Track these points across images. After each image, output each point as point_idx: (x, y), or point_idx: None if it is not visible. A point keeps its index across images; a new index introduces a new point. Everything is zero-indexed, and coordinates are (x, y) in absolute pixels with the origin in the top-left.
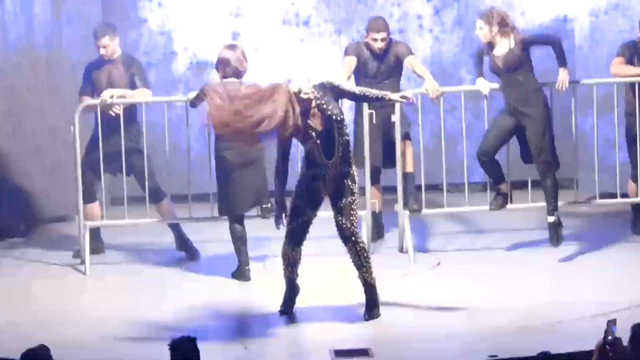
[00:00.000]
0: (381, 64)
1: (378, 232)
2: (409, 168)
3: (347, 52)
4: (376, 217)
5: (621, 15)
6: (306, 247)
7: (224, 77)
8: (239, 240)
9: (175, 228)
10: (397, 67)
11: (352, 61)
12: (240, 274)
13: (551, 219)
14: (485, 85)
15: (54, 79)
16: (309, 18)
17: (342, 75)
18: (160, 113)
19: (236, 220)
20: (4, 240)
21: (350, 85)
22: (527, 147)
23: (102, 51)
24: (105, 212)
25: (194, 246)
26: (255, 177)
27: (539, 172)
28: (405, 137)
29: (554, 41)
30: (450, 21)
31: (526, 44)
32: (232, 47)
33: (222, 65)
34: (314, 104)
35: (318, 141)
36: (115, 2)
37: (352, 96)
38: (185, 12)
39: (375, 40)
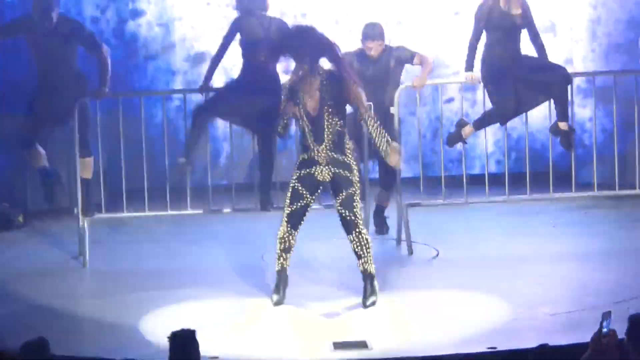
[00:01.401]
0: (376, 70)
1: (382, 227)
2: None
3: None
4: (379, 212)
5: (618, 6)
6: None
7: None
8: None
9: None
10: (395, 73)
11: None
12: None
13: (563, 125)
14: (474, 76)
15: None
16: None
17: None
18: (159, 105)
19: None
20: (1, 231)
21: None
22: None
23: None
24: (104, 205)
25: None
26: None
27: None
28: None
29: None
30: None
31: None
32: None
33: None
34: (316, 85)
35: (309, 125)
36: None
37: (364, 119)
38: (183, 3)
39: (370, 48)
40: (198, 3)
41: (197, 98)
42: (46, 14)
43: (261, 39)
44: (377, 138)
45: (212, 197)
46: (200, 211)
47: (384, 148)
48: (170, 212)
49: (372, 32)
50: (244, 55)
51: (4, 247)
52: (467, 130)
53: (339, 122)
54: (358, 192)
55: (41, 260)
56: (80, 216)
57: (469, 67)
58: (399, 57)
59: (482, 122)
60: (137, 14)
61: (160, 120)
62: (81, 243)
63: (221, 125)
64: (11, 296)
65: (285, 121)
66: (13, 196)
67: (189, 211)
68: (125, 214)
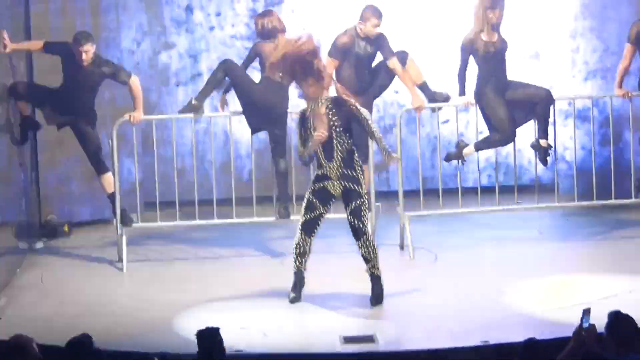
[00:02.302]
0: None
1: None
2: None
3: (331, 54)
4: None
5: (595, 36)
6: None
7: None
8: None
9: None
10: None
11: (334, 64)
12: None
13: (544, 142)
14: (467, 100)
15: None
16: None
17: None
18: (188, 127)
19: None
20: (50, 240)
21: (370, 122)
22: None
23: (84, 56)
24: (140, 216)
25: None
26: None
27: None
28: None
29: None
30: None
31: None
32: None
33: None
34: (323, 111)
35: (321, 145)
36: (148, 28)
37: (365, 129)
38: (210, 37)
39: (373, 24)
40: (223, 37)
41: (223, 121)
42: (83, 50)
43: None
44: (378, 143)
45: (235, 208)
46: (226, 220)
47: (385, 154)
48: (198, 222)
49: (374, 11)
50: (262, 74)
51: (52, 254)
52: (467, 150)
53: (347, 141)
54: (366, 203)
55: (84, 265)
56: (119, 226)
57: (462, 92)
58: (382, 47)
59: (483, 145)
60: (168, 46)
61: (189, 141)
62: (119, 250)
63: (244, 145)
64: (59, 297)
65: (307, 150)
66: (59, 207)
67: (216, 221)
68: (159, 224)
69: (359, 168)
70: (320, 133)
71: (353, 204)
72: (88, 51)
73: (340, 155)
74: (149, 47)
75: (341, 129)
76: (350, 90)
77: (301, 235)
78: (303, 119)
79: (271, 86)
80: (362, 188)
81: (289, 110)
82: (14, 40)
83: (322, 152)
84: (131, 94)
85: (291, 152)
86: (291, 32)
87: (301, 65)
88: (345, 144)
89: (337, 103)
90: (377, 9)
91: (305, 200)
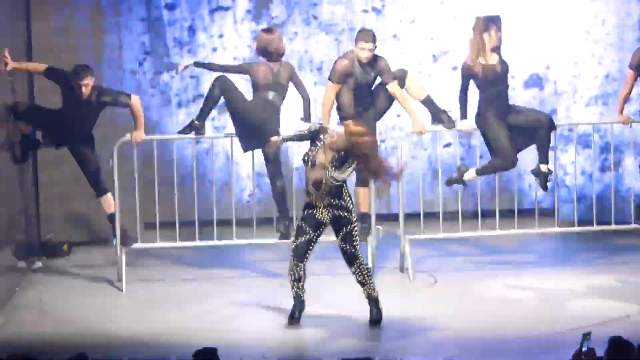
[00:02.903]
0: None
1: (364, 232)
2: (364, 209)
3: (331, 79)
4: (363, 218)
5: (597, 62)
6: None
7: None
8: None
9: None
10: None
11: (336, 88)
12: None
13: (544, 167)
14: (468, 125)
15: None
16: (322, 64)
17: (326, 99)
18: (189, 147)
19: None
20: (49, 259)
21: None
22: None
23: (83, 89)
24: (140, 236)
25: None
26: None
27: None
28: (362, 183)
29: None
30: (446, 67)
31: None
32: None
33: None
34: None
35: (311, 169)
36: (150, 48)
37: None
38: (211, 58)
39: (363, 49)
40: (224, 58)
41: (225, 143)
42: (82, 83)
43: (270, 83)
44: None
45: (236, 229)
46: (226, 242)
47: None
48: (198, 243)
49: (366, 35)
50: (254, 94)
51: (51, 273)
52: (468, 175)
53: (341, 176)
54: (356, 228)
55: (84, 285)
56: (118, 246)
57: (463, 116)
58: (382, 69)
59: (484, 170)
60: (171, 67)
61: (190, 162)
62: (119, 269)
63: (245, 166)
64: (58, 317)
65: (285, 139)
66: (59, 227)
67: (216, 242)
68: (159, 244)
69: (348, 197)
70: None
71: (344, 230)
72: (87, 85)
73: (328, 187)
74: (151, 67)
75: (338, 164)
76: (351, 113)
77: (293, 261)
78: (314, 138)
79: (263, 105)
80: (352, 215)
81: (280, 130)
82: (15, 59)
83: (311, 179)
84: (132, 114)
85: (290, 172)
86: (291, 55)
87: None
88: (339, 179)
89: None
90: (369, 32)
91: (295, 226)
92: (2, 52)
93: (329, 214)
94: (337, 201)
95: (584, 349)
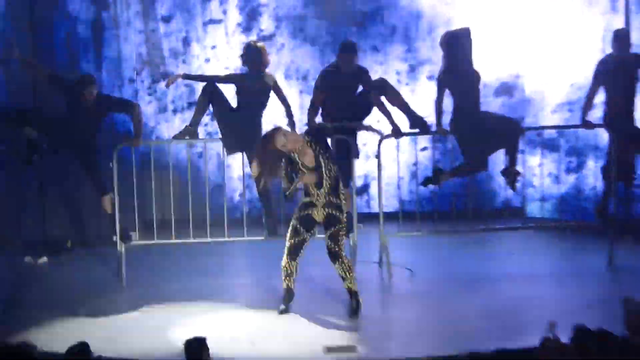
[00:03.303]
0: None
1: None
2: (346, 208)
3: (317, 87)
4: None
5: (563, 72)
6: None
7: None
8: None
9: None
10: (364, 102)
11: (322, 96)
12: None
13: (513, 169)
14: (443, 130)
15: None
16: (307, 73)
17: (312, 106)
18: (184, 151)
19: None
20: (53, 255)
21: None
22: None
23: (87, 97)
24: (138, 233)
25: None
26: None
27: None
28: (344, 184)
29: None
30: (422, 77)
31: None
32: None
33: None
34: (301, 146)
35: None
36: (147, 58)
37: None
38: (205, 68)
39: (345, 60)
40: (217, 68)
41: (217, 147)
42: (87, 93)
43: (254, 91)
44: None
45: (228, 227)
46: (218, 239)
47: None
48: (192, 240)
49: (347, 46)
50: (238, 102)
51: (56, 268)
52: (443, 177)
53: (334, 168)
54: (344, 228)
55: (86, 279)
56: (118, 243)
57: (438, 122)
58: (366, 81)
59: (458, 172)
60: (166, 76)
61: (184, 164)
62: (119, 265)
63: (236, 170)
64: (61, 308)
65: (292, 187)
66: (62, 225)
67: (209, 239)
68: (156, 241)
69: (342, 195)
70: (306, 176)
71: (332, 229)
72: (91, 94)
73: (329, 183)
74: (148, 76)
75: (328, 154)
76: (334, 118)
77: (287, 259)
78: (290, 159)
79: (246, 112)
80: (342, 215)
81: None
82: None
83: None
84: (133, 122)
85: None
86: (278, 65)
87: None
88: (333, 171)
89: (315, 131)
90: (349, 43)
91: (290, 226)
92: (11, 41)
93: (324, 212)
94: (334, 200)
95: (550, 337)
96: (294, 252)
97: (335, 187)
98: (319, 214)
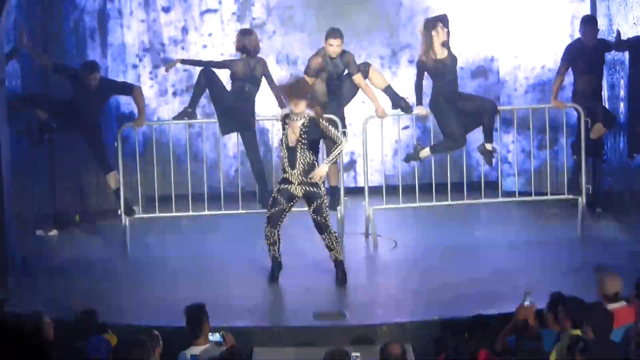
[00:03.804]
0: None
1: (334, 203)
2: (333, 183)
3: (306, 73)
4: (333, 190)
5: (535, 55)
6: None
7: None
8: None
9: None
10: (350, 85)
11: (310, 81)
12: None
13: (489, 146)
14: (423, 110)
15: None
16: (297, 59)
17: None
18: (183, 131)
19: None
20: (62, 229)
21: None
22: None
23: (92, 82)
24: (141, 207)
25: None
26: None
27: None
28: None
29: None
30: (404, 60)
31: None
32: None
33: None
34: (299, 124)
35: (286, 153)
36: (149, 45)
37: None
38: (202, 54)
39: (332, 45)
40: (213, 53)
41: (214, 127)
42: (91, 77)
43: (246, 76)
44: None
45: (224, 201)
46: (215, 212)
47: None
48: (191, 213)
49: (334, 32)
50: (232, 85)
51: (65, 240)
52: (424, 153)
53: (309, 156)
54: (326, 201)
55: (93, 250)
56: (123, 216)
57: (419, 102)
58: (348, 63)
59: (438, 148)
60: (167, 61)
61: (184, 143)
62: (124, 237)
63: (231, 147)
64: (70, 278)
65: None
66: (71, 199)
67: (207, 212)
68: (158, 215)
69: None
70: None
71: (315, 204)
72: (95, 78)
73: (302, 166)
74: (150, 62)
75: (307, 145)
76: (323, 101)
77: (268, 227)
78: (284, 123)
79: (240, 94)
80: (321, 190)
81: (256, 117)
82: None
83: (286, 159)
84: (136, 103)
85: (270, 152)
86: (270, 50)
87: (298, 89)
88: (307, 158)
89: (313, 124)
90: (335, 30)
91: (270, 197)
92: (20, 29)
93: (302, 189)
94: (309, 179)
95: (526, 303)
96: (274, 221)
97: (308, 171)
98: (296, 190)
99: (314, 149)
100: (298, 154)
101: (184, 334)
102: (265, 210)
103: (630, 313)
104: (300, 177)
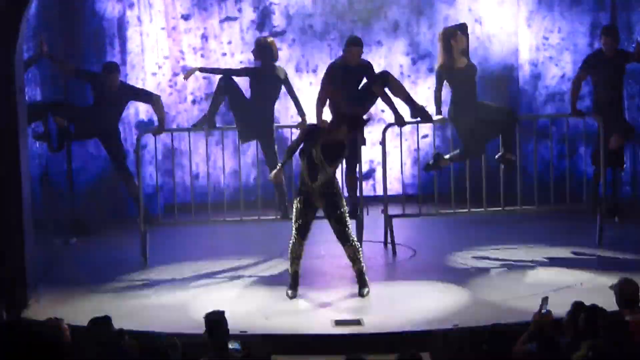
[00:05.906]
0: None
1: (354, 211)
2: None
3: (325, 81)
4: (352, 198)
5: (554, 64)
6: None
7: None
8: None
9: None
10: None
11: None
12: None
13: (508, 155)
14: (441, 119)
15: None
16: (316, 67)
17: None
18: (202, 139)
19: None
20: (82, 236)
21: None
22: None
23: (112, 83)
24: (160, 215)
25: None
26: None
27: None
28: (351, 171)
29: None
30: (423, 69)
31: None
32: None
33: None
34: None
35: (307, 165)
36: (168, 52)
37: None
38: (222, 62)
39: (352, 53)
40: (233, 61)
41: (233, 135)
42: (111, 77)
43: (265, 83)
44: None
45: (243, 209)
46: (235, 219)
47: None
48: (211, 220)
49: (355, 39)
50: (251, 93)
51: (83, 247)
52: (443, 162)
53: (329, 170)
54: (346, 211)
55: (111, 258)
56: (142, 224)
57: (438, 111)
58: (368, 71)
59: (457, 158)
60: (186, 69)
61: (203, 151)
62: (143, 245)
63: (251, 155)
64: (88, 285)
65: (284, 164)
66: (90, 208)
67: (226, 219)
68: (177, 222)
69: (338, 186)
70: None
71: (337, 214)
72: (115, 79)
73: (323, 179)
74: (169, 69)
75: (330, 161)
76: (342, 110)
77: (297, 238)
78: (311, 133)
79: (259, 102)
80: (341, 200)
81: (275, 125)
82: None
83: (307, 171)
84: (156, 112)
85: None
86: (290, 58)
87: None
88: (329, 173)
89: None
90: (356, 38)
91: (294, 209)
92: (41, 38)
93: (322, 200)
94: (329, 190)
95: (543, 312)
96: (302, 232)
97: (329, 183)
98: (317, 201)
99: (335, 164)
100: (320, 168)
101: (200, 342)
102: (281, 218)
103: None
104: (320, 189)
